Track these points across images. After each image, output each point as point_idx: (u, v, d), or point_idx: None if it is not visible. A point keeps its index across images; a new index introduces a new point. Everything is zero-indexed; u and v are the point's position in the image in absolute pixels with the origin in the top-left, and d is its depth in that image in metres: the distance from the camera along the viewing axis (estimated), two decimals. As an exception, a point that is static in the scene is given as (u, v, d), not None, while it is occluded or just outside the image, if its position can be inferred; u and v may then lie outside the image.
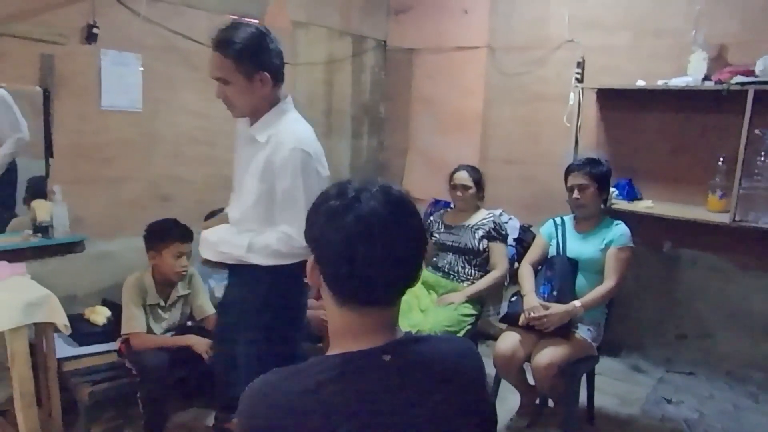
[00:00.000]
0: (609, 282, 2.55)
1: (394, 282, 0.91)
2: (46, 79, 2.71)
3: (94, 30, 2.81)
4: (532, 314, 2.51)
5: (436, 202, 3.99)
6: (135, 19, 2.97)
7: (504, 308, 3.78)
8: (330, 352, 0.95)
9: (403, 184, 4.52)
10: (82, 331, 2.62)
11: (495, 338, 3.77)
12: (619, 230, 2.60)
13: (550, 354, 2.44)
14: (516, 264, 3.25)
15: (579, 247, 2.66)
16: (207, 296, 2.72)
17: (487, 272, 3.03)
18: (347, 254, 0.87)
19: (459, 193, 3.06)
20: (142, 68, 3.02)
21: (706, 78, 3.02)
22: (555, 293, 2.59)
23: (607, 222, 2.67)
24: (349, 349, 0.91)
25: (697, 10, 3.15)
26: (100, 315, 2.74)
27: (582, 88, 3.48)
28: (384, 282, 0.90)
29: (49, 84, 2.72)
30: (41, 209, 2.68)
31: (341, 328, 0.94)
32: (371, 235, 0.87)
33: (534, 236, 3.28)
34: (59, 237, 2.73)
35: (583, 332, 2.56)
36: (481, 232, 3.02)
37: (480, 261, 3.03)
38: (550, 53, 3.71)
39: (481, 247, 3.00)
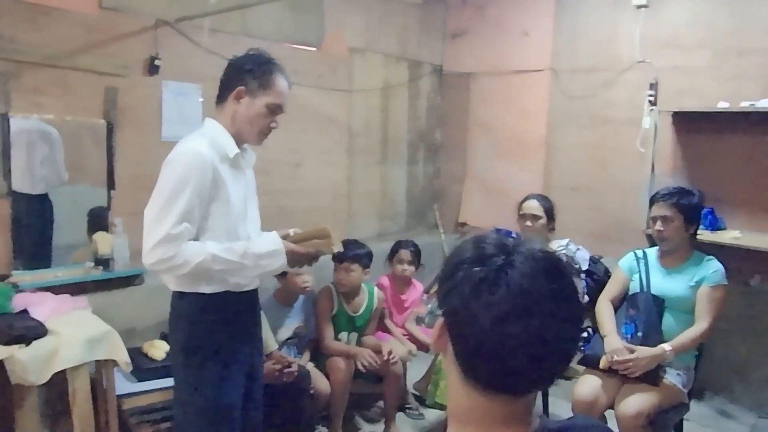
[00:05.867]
0: (702, 323, 2.32)
1: (547, 369, 0.75)
2: (109, 111, 2.72)
3: (156, 62, 2.82)
4: (615, 357, 2.30)
5: (497, 231, 3.82)
6: (195, 49, 2.97)
7: (573, 345, 3.56)
8: None
9: (461, 212, 4.38)
10: (141, 366, 2.56)
11: (564, 376, 3.58)
12: (712, 267, 2.38)
13: (637, 402, 2.22)
14: (586, 298, 3.04)
15: (665, 283, 2.45)
16: (270, 332, 2.63)
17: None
18: (496, 335, 0.72)
19: (528, 224, 2.89)
20: (201, 99, 3.00)
21: (798, 98, 2.80)
22: (640, 334, 2.38)
23: (697, 257, 2.44)
24: None
25: (785, 27, 2.93)
26: (158, 350, 2.68)
27: (658, 111, 3.28)
28: (536, 369, 0.73)
29: (112, 116, 2.73)
30: (103, 242, 2.67)
31: (464, 411, 0.79)
32: (528, 315, 0.71)
33: (605, 268, 3.08)
34: (120, 270, 2.72)
35: (672, 377, 2.34)
36: (552, 266, 2.82)
37: (551, 297, 2.83)
38: (619, 75, 3.53)
39: (552, 282, 2.81)
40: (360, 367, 2.71)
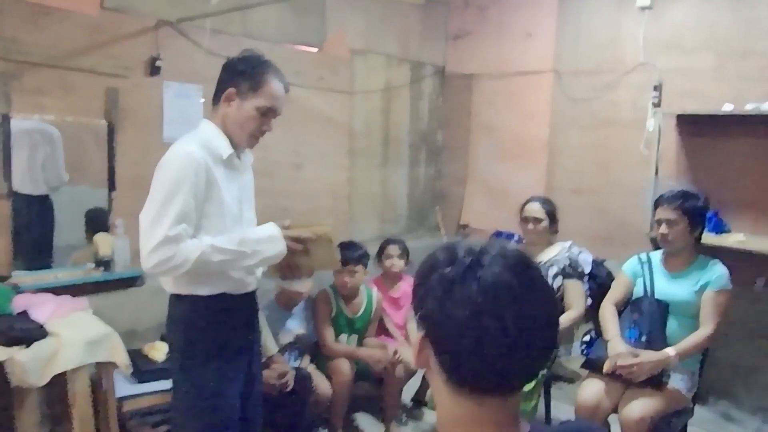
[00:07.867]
0: (706, 328, 2.31)
1: (528, 362, 0.76)
2: (110, 112, 2.71)
3: (158, 63, 2.81)
4: (619, 362, 2.29)
5: (498, 234, 3.81)
6: (197, 50, 2.96)
7: (576, 348, 3.54)
8: None
9: (462, 214, 4.37)
10: (141, 367, 2.55)
11: (566, 380, 3.56)
12: (717, 271, 2.36)
13: (641, 407, 2.21)
14: (589, 301, 3.02)
15: (669, 287, 2.43)
16: (270, 335, 2.62)
17: (561, 312, 2.81)
18: (473, 332, 0.73)
19: (530, 226, 2.88)
20: (203, 99, 2.99)
21: (803, 101, 2.78)
22: (644, 339, 2.37)
23: (702, 261, 2.43)
24: None
25: (790, 29, 2.91)
26: (159, 351, 2.67)
27: (662, 114, 3.26)
28: (517, 363, 0.75)
29: (114, 117, 2.72)
30: (103, 243, 2.66)
31: (454, 421, 0.80)
32: (501, 307, 0.73)
33: (608, 271, 3.06)
34: (120, 271, 2.71)
35: (676, 382, 2.32)
36: (555, 269, 2.81)
37: (554, 300, 2.82)
38: (622, 77, 3.52)
39: (555, 286, 2.80)
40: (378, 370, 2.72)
